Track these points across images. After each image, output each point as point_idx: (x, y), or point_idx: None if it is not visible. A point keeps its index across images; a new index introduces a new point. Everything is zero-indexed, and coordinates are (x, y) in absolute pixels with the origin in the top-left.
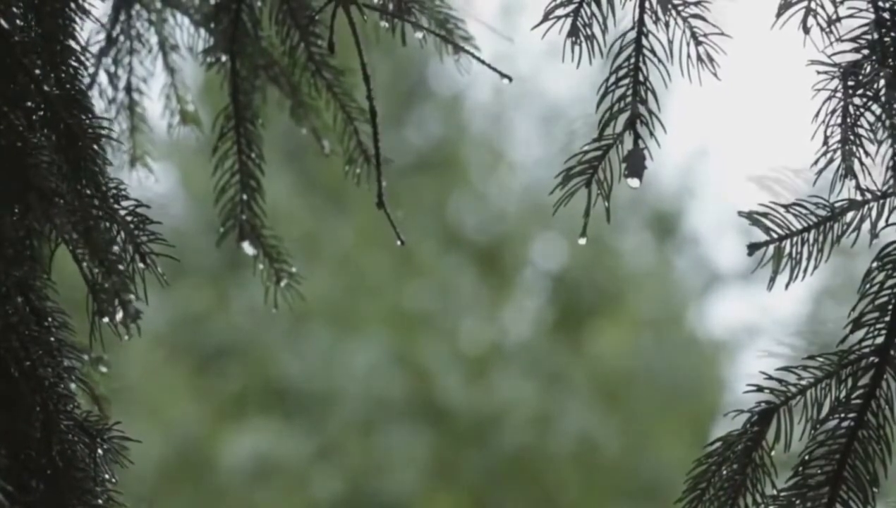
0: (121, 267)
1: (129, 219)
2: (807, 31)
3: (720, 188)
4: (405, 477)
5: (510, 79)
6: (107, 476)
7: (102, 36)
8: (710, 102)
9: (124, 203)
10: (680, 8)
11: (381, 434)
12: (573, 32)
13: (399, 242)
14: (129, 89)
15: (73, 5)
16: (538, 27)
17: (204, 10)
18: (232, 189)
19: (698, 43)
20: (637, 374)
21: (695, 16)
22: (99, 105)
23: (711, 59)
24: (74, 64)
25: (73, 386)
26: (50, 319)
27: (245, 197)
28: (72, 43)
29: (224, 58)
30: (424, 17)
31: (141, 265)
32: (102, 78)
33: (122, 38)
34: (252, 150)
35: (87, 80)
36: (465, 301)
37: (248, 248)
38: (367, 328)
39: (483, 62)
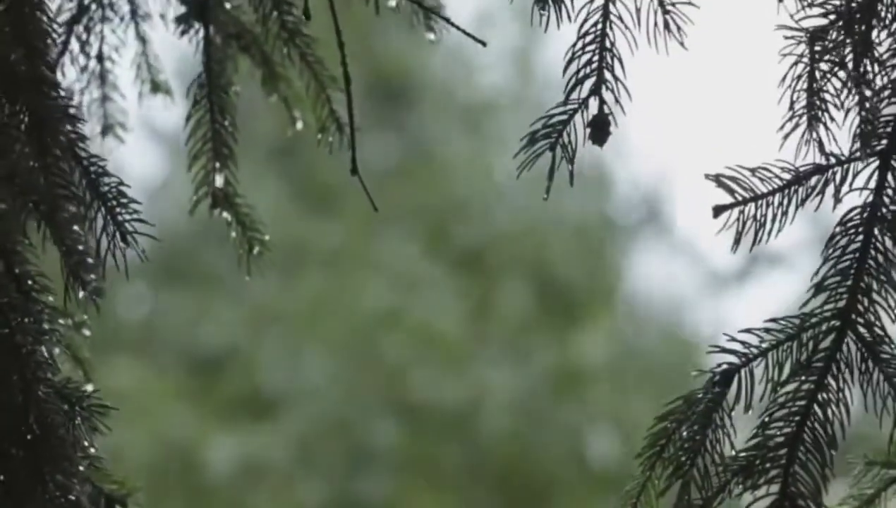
0: (80, 247)
1: (110, 196)
2: None
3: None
4: (389, 475)
5: (484, 44)
6: (86, 444)
7: (74, 3)
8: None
9: (106, 179)
10: None
11: (361, 432)
12: None
13: (374, 209)
14: (100, 58)
15: None
16: None
17: None
18: (204, 156)
19: (665, 11)
20: (624, 370)
21: None
22: (70, 73)
23: (679, 28)
24: (42, 35)
25: (56, 349)
26: (30, 282)
27: (218, 164)
28: (38, 14)
29: (197, 25)
30: None
31: (122, 244)
32: (74, 46)
33: (93, 5)
34: (225, 118)
35: (57, 49)
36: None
37: (224, 214)
38: (341, 328)
39: (457, 27)
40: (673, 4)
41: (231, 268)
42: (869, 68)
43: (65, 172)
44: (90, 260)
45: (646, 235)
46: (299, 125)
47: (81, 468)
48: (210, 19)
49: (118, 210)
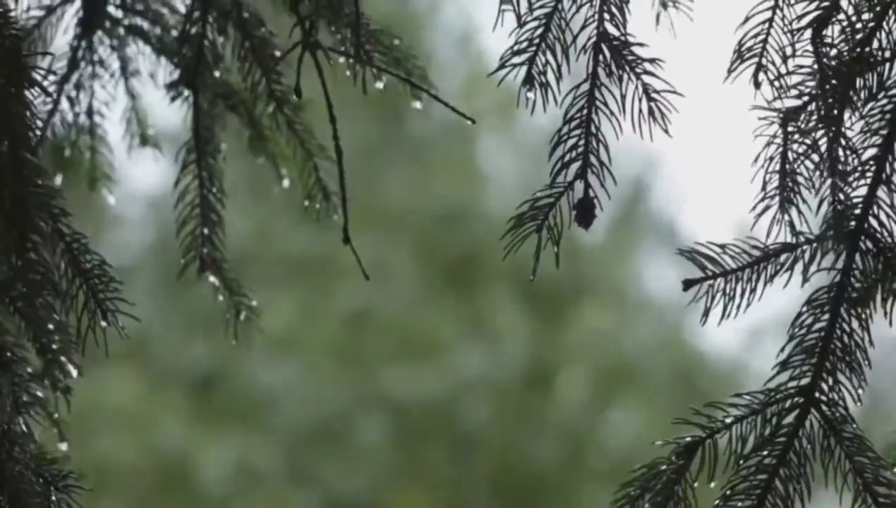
0: (55, 346)
1: (92, 274)
2: (757, 85)
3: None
4: (378, 476)
5: (473, 121)
6: None
7: (64, 63)
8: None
9: (87, 256)
10: (634, 64)
11: (351, 435)
12: (528, 81)
13: (365, 278)
14: (90, 112)
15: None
16: (494, 74)
17: (166, 39)
18: (193, 222)
19: (650, 99)
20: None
21: (647, 72)
22: (60, 131)
23: (663, 115)
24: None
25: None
26: (9, 353)
27: (206, 231)
28: (20, 103)
29: (186, 92)
30: (385, 62)
31: (103, 322)
32: (64, 104)
33: (83, 63)
34: (213, 184)
35: (48, 108)
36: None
37: (211, 278)
38: (327, 332)
39: (445, 104)
40: (658, 92)
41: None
42: (840, 153)
43: (45, 261)
44: (63, 359)
45: (642, 235)
46: (286, 183)
47: None
48: (200, 86)
49: (99, 287)
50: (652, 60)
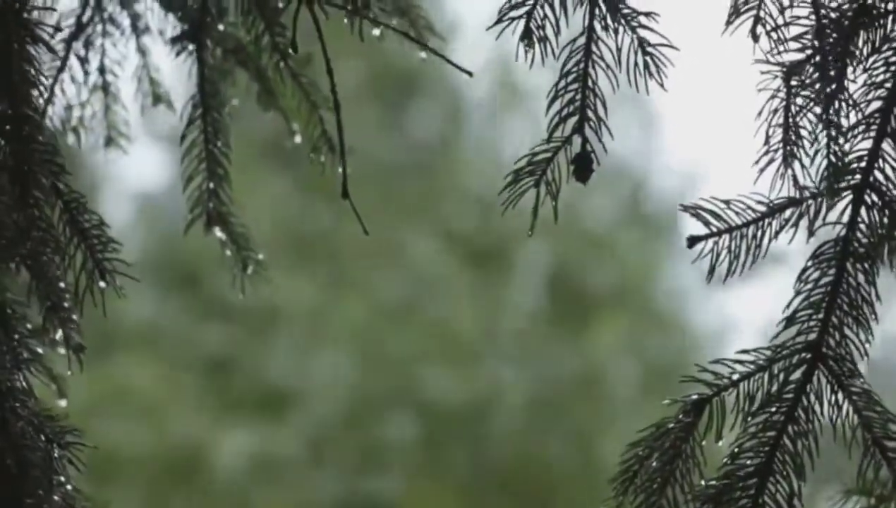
0: (66, 304)
1: (90, 233)
2: (756, 38)
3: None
4: (399, 472)
5: (470, 74)
6: (62, 479)
7: (73, 20)
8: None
9: (86, 216)
10: (629, 17)
11: (372, 428)
12: (526, 34)
13: (364, 232)
14: (102, 70)
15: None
16: (492, 28)
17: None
18: (199, 176)
19: (645, 53)
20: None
21: (643, 26)
22: (70, 89)
23: (658, 69)
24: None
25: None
26: (9, 310)
27: (212, 185)
28: (25, 60)
29: (191, 46)
30: (386, 11)
31: (102, 283)
32: (74, 62)
33: (95, 20)
34: (219, 139)
35: (56, 68)
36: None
37: (218, 233)
38: (351, 323)
39: (444, 58)
40: (654, 46)
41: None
42: (843, 106)
43: (47, 217)
44: (74, 317)
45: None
46: (297, 138)
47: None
48: (204, 41)
49: (98, 247)
50: (647, 14)
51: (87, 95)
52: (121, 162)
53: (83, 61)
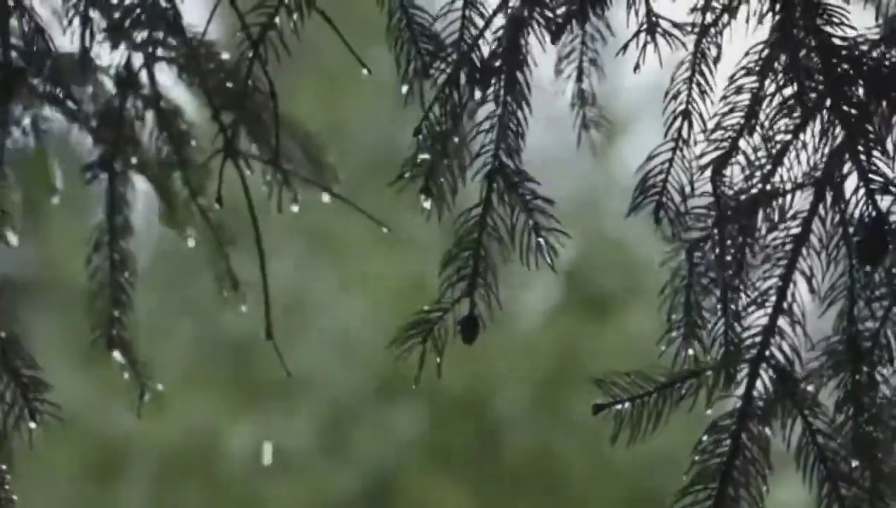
0: None
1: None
2: (658, 221)
3: None
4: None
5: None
6: None
7: None
8: None
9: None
10: (527, 198)
11: (383, 415)
12: (426, 190)
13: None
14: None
15: None
16: (393, 185)
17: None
18: (103, 301)
19: (539, 234)
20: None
21: (538, 209)
22: None
23: (552, 249)
24: None
25: None
26: None
27: (117, 313)
28: None
29: (103, 176)
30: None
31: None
32: None
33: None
34: (126, 268)
35: None
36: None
37: (118, 357)
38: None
39: (355, 206)
40: (548, 230)
41: (250, 254)
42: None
43: None
44: None
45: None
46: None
47: None
48: (114, 172)
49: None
50: (549, 201)
51: None
52: None
53: None
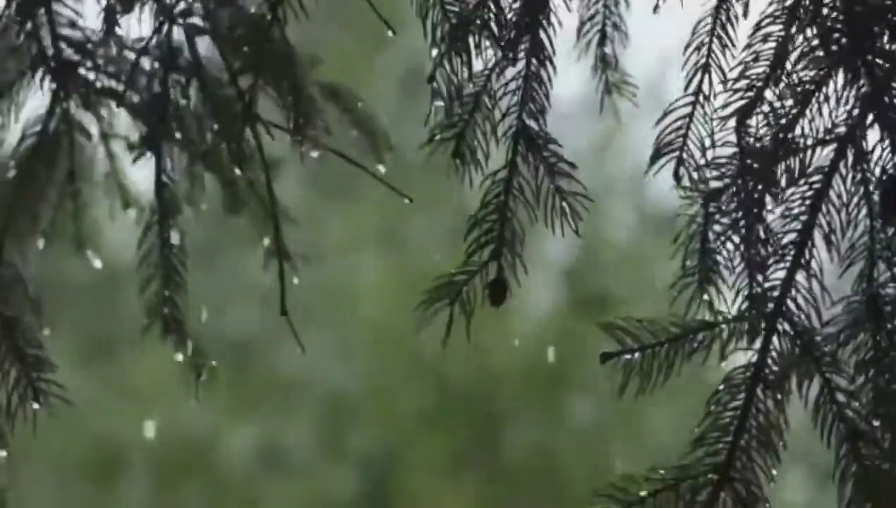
0: None
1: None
2: (678, 180)
3: None
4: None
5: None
6: None
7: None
8: None
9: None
10: (551, 161)
11: (383, 415)
12: (457, 154)
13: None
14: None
15: None
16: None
17: (136, 102)
18: (155, 282)
19: (563, 198)
20: None
21: (562, 173)
22: None
23: (575, 214)
24: None
25: None
26: None
27: (167, 292)
28: None
29: (149, 154)
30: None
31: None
32: None
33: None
34: (176, 246)
35: None
36: None
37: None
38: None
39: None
40: (572, 194)
41: (247, 255)
42: (760, 235)
43: None
44: None
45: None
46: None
47: None
48: (161, 150)
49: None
50: (572, 166)
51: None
52: None
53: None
